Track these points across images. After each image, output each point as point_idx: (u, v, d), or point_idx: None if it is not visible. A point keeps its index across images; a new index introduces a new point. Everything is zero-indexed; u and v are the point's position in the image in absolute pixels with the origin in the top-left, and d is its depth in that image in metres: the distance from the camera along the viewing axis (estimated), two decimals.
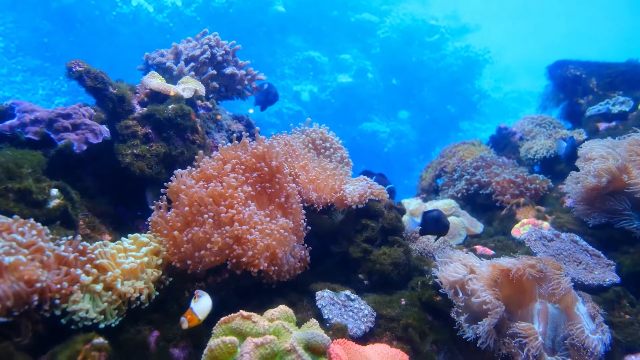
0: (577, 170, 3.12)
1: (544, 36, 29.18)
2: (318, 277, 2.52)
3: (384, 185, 3.09)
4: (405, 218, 3.44)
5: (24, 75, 13.21)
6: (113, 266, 1.93)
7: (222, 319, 1.71)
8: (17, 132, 2.44)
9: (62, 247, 1.83)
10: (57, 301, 1.70)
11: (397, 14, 17.26)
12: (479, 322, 2.02)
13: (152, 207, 2.34)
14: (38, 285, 1.61)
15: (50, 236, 1.87)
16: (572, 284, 2.15)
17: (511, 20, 29.34)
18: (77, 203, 2.37)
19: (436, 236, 2.85)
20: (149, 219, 2.33)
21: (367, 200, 2.77)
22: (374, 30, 16.92)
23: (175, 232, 2.14)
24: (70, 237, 1.94)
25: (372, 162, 15.53)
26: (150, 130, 2.76)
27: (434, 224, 2.61)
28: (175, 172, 2.39)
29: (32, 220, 1.84)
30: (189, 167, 2.45)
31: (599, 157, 2.95)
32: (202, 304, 1.85)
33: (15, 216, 1.82)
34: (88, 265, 1.85)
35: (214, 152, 2.60)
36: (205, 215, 2.15)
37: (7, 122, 2.45)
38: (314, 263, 2.51)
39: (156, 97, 2.95)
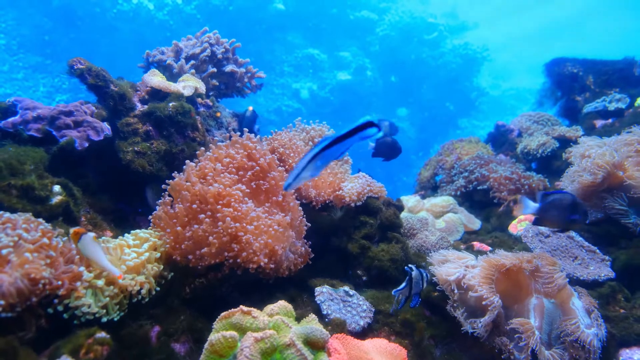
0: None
1: (542, 34, 29.18)
2: (317, 273, 2.54)
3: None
4: (404, 215, 3.47)
5: (25, 73, 13.21)
6: (117, 263, 1.96)
7: (223, 314, 1.73)
8: (20, 129, 2.46)
9: (67, 244, 1.86)
10: (57, 299, 1.73)
11: (396, 12, 17.25)
12: (477, 317, 2.05)
13: (157, 203, 2.37)
14: (42, 282, 1.63)
15: (52, 233, 1.89)
16: (567, 279, 2.18)
17: (509, 18, 29.31)
18: (79, 199, 2.39)
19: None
20: (152, 214, 2.35)
21: (365, 198, 2.80)
22: (373, 28, 16.91)
23: (178, 229, 2.17)
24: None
25: (370, 159, 15.53)
26: (151, 127, 2.78)
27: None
28: (187, 162, 2.41)
29: (31, 216, 1.86)
30: (192, 164, 2.48)
31: (595, 154, 2.98)
32: (94, 246, 1.80)
33: (27, 214, 1.84)
34: None
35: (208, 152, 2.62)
36: (203, 215, 2.17)
37: (10, 119, 2.47)
38: (314, 259, 2.54)
39: (157, 94, 2.97)
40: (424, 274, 2.12)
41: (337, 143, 1.48)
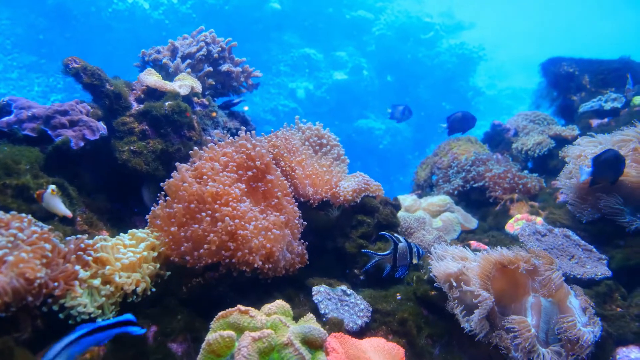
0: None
1: (538, 33, 29.31)
2: (315, 273, 2.54)
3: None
4: (401, 214, 3.47)
5: (19, 72, 13.16)
6: (113, 261, 1.95)
7: (220, 313, 1.73)
8: (15, 128, 2.44)
9: (63, 244, 1.84)
10: (51, 299, 1.72)
11: (392, 11, 17.30)
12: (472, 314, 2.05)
13: (154, 204, 2.35)
14: (37, 282, 1.62)
15: (48, 233, 1.88)
16: (564, 277, 2.19)
17: (505, 18, 29.44)
18: (74, 199, 2.38)
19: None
20: (149, 213, 2.34)
21: (362, 196, 2.79)
22: (369, 27, 16.95)
23: (174, 229, 2.16)
24: (75, 236, 1.96)
25: (367, 158, 15.57)
26: (147, 126, 2.77)
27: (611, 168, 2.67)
28: (177, 164, 2.39)
29: (30, 217, 1.85)
30: (187, 164, 2.47)
31: (591, 153, 2.99)
32: (54, 198, 2.10)
33: (14, 212, 1.83)
34: (90, 259, 1.87)
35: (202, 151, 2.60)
36: (203, 213, 2.16)
37: (4, 119, 2.45)
38: (311, 259, 2.54)
39: (153, 94, 2.96)
40: (415, 249, 2.15)
41: (95, 333, 1.53)
